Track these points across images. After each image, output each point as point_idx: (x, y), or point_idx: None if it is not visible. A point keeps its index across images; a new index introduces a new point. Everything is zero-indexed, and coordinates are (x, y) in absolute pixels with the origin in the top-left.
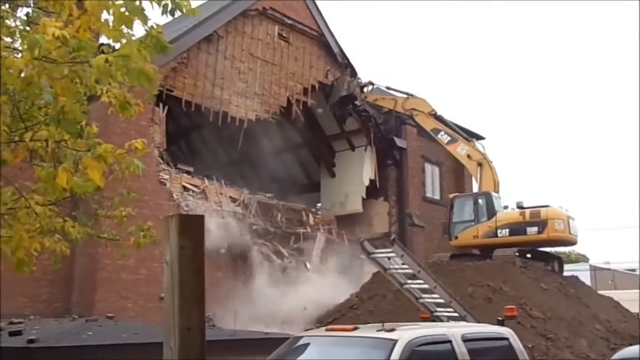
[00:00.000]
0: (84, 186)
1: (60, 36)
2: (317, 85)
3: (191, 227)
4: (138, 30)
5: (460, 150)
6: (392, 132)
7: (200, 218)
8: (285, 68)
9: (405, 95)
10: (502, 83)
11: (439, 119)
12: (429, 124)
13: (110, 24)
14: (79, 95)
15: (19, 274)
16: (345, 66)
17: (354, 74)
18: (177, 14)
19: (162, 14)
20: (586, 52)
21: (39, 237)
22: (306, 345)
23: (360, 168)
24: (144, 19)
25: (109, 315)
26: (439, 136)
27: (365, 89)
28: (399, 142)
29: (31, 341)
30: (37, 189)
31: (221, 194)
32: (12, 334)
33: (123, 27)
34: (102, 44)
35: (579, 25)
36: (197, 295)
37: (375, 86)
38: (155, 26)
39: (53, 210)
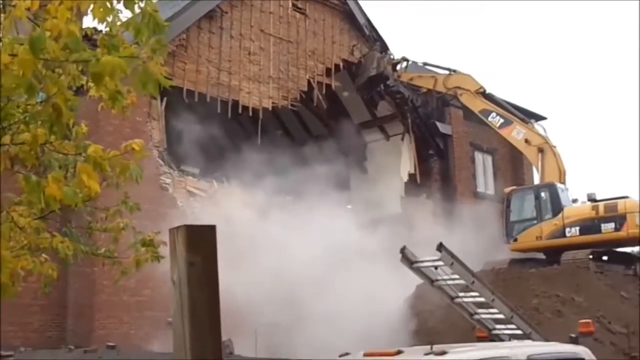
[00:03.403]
0: (76, 197)
1: (64, 32)
2: (341, 65)
3: (201, 239)
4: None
5: (516, 134)
6: (433, 116)
7: (212, 229)
8: (303, 45)
9: (447, 72)
10: (564, 51)
11: (489, 97)
12: (476, 105)
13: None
14: (69, 92)
15: (3, 301)
16: (373, 40)
17: (384, 49)
18: None
19: None
20: None
21: (25, 254)
22: None
23: (397, 161)
24: None
25: (110, 344)
26: (489, 119)
27: (398, 67)
28: (442, 127)
29: None
30: (20, 202)
31: (232, 198)
32: None
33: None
34: (86, 30)
35: None
36: (211, 320)
37: (410, 62)
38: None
39: (40, 224)
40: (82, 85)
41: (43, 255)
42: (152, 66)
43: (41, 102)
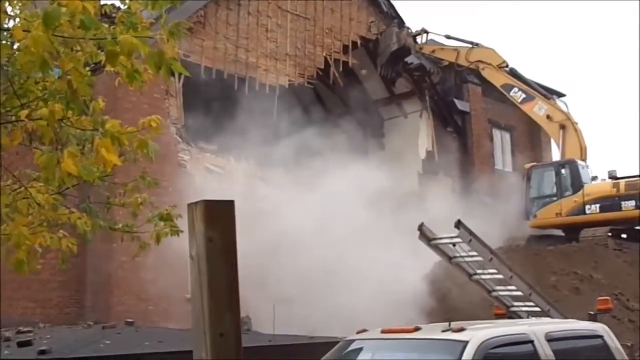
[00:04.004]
0: (92, 174)
1: (80, 9)
2: (358, 42)
3: (220, 214)
4: None
5: (537, 110)
6: (451, 93)
7: (230, 204)
8: (321, 22)
9: (469, 45)
10: (584, 27)
11: (512, 73)
12: (499, 79)
13: None
14: (84, 69)
15: (21, 276)
16: (391, 17)
17: (401, 25)
18: None
19: None
20: None
21: (43, 231)
22: (359, 350)
23: (415, 138)
24: None
25: (129, 320)
26: (511, 93)
27: (418, 39)
28: (460, 104)
29: (42, 352)
30: (38, 177)
31: (250, 174)
32: (21, 344)
33: None
34: (105, 6)
35: None
36: (230, 296)
37: (429, 36)
38: None
39: (57, 200)
40: (99, 61)
41: (61, 231)
42: (167, 49)
43: (58, 78)
